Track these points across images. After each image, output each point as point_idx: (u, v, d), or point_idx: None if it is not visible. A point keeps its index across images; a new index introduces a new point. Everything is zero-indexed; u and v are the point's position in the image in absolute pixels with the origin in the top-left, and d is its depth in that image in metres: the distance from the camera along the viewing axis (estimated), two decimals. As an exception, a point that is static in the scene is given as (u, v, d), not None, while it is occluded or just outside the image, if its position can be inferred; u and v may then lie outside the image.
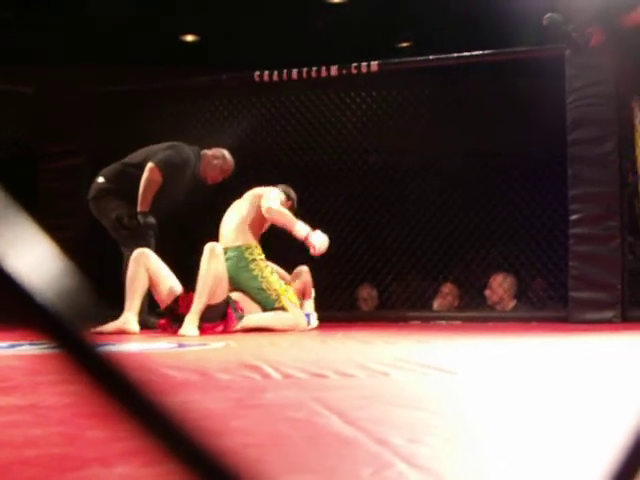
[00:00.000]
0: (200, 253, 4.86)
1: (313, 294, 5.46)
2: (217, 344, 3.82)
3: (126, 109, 6.73)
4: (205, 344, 3.86)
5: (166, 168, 5.41)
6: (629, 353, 3.34)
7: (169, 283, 4.94)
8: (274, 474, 1.03)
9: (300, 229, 5.05)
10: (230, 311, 4.91)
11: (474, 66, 6.41)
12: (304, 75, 6.39)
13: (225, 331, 4.85)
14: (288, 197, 5.45)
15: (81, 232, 6.46)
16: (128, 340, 4.29)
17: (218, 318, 4.87)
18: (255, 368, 2.40)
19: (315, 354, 3.32)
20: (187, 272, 5.01)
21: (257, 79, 6.50)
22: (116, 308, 4.89)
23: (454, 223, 6.79)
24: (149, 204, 5.39)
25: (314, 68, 6.35)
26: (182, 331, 4.64)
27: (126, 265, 5.06)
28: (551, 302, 6.51)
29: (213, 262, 4.79)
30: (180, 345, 3.80)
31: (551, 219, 6.35)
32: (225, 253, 5.06)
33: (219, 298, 4.86)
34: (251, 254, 5.17)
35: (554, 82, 5.76)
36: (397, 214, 6.90)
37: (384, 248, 6.90)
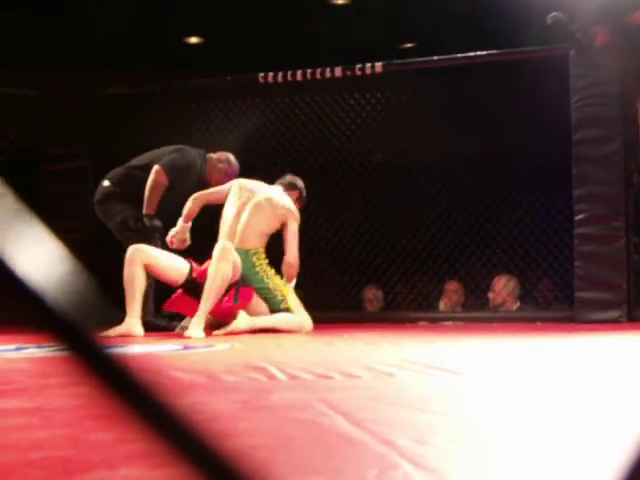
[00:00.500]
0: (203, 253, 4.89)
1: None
2: (223, 346, 3.82)
3: (129, 112, 6.74)
4: (211, 346, 3.86)
5: (172, 171, 5.41)
6: (635, 353, 3.33)
7: (174, 265, 4.96)
8: (281, 475, 1.03)
9: (291, 287, 5.30)
10: (233, 291, 4.92)
11: (478, 66, 6.40)
12: (308, 77, 6.39)
13: (221, 308, 4.88)
14: (291, 187, 5.49)
15: (85, 235, 6.46)
16: (134, 342, 4.29)
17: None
18: (261, 370, 2.40)
19: (321, 355, 3.32)
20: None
21: (261, 81, 6.50)
22: (122, 311, 4.88)
23: (459, 224, 6.78)
24: (155, 207, 5.40)
25: (318, 69, 6.35)
26: (188, 332, 4.64)
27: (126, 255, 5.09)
28: (557, 302, 6.50)
29: (223, 263, 4.79)
30: (186, 347, 3.80)
31: (556, 219, 6.34)
32: None
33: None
34: (258, 259, 5.21)
35: (559, 82, 5.76)
36: (402, 215, 6.90)
37: (389, 249, 6.89)
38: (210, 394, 1.95)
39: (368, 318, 6.55)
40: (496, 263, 6.74)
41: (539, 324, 5.64)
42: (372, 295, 7.03)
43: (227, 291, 4.90)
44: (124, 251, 5.49)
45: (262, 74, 6.47)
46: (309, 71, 6.37)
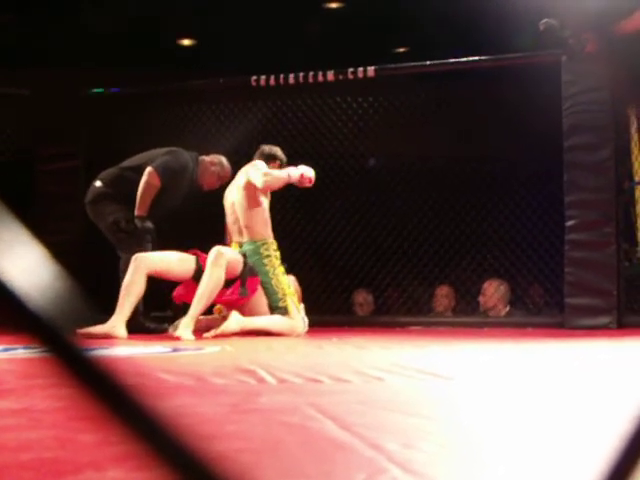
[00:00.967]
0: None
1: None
2: (212, 348, 3.82)
3: (123, 112, 6.73)
4: (200, 348, 3.85)
5: (165, 173, 5.41)
6: (624, 359, 3.34)
7: (180, 261, 5.00)
8: (268, 479, 1.03)
9: (293, 175, 5.20)
10: (238, 283, 4.96)
11: (471, 71, 6.42)
12: (301, 80, 6.39)
13: (222, 297, 4.95)
14: (271, 158, 5.44)
15: (79, 235, 6.45)
16: (123, 344, 4.28)
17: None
18: (250, 372, 2.40)
19: (310, 359, 3.32)
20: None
21: (254, 84, 6.50)
22: (111, 312, 4.87)
23: (450, 229, 6.79)
24: (147, 209, 5.39)
25: (311, 73, 6.36)
26: (178, 333, 4.63)
27: (123, 269, 5.06)
28: (547, 308, 6.51)
29: (216, 269, 4.82)
30: (175, 349, 3.79)
31: (547, 225, 6.36)
32: (241, 246, 5.23)
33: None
34: (267, 250, 5.24)
35: (550, 88, 5.77)
36: (393, 219, 6.90)
37: (380, 253, 6.90)
38: (198, 397, 1.94)
39: (358, 322, 6.55)
40: (487, 268, 6.75)
41: (529, 329, 5.64)
42: (362, 299, 7.03)
43: (232, 283, 4.94)
44: (116, 252, 5.48)
45: (255, 77, 6.47)
46: (301, 74, 6.37)
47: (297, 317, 5.23)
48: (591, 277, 5.55)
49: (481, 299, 6.55)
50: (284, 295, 5.19)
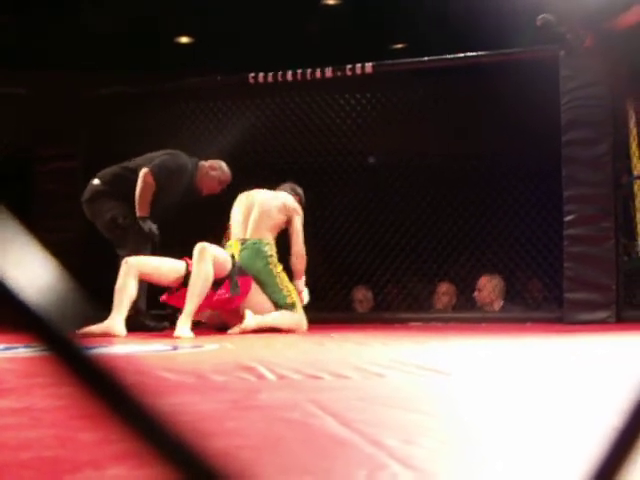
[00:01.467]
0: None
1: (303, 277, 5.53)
2: (212, 346, 3.82)
3: (122, 113, 6.73)
4: (200, 346, 3.86)
5: (160, 172, 5.41)
6: (623, 354, 3.34)
7: (170, 267, 4.99)
8: (268, 475, 1.03)
9: (301, 284, 5.44)
10: (227, 282, 4.97)
11: (469, 67, 6.42)
12: (299, 77, 6.39)
13: (213, 299, 4.94)
14: (300, 202, 5.64)
15: (78, 234, 6.46)
16: (122, 342, 4.28)
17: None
18: (250, 369, 2.40)
19: (310, 355, 3.32)
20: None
21: (252, 81, 6.50)
22: (109, 311, 4.87)
23: (449, 224, 6.79)
24: (148, 209, 5.40)
25: (309, 70, 6.35)
26: (176, 333, 4.64)
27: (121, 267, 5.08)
28: (546, 303, 6.52)
29: (202, 264, 4.84)
30: (175, 347, 3.79)
31: (546, 220, 6.36)
32: (243, 243, 5.29)
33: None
34: (270, 249, 5.32)
35: (549, 83, 5.77)
36: (392, 215, 6.90)
37: (379, 249, 6.90)
38: (198, 394, 1.94)
39: (358, 318, 6.56)
40: (486, 263, 6.75)
41: (528, 324, 5.65)
42: (362, 296, 7.03)
43: (221, 283, 4.94)
44: (114, 250, 5.49)
45: (252, 74, 6.47)
46: (299, 71, 6.37)
47: (302, 313, 5.30)
48: (590, 272, 5.56)
49: (476, 295, 6.55)
50: (289, 292, 5.26)
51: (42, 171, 6.77)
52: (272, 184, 5.68)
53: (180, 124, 6.87)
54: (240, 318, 5.03)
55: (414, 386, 2.11)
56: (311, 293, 5.58)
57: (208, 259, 4.87)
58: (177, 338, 4.52)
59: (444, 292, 6.82)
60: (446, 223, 6.79)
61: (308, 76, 6.37)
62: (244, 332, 4.89)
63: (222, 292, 4.98)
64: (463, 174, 6.91)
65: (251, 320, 4.98)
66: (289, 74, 6.39)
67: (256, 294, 5.18)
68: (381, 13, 7.66)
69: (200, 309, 4.91)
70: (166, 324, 5.34)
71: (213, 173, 5.68)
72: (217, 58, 7.71)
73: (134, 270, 4.87)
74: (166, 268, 5.01)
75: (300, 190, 5.75)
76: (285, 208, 5.44)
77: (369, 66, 6.24)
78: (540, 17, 5.52)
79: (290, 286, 5.29)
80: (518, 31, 5.81)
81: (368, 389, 2.05)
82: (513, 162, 6.67)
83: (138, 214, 5.38)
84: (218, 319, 5.27)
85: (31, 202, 6.58)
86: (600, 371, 2.53)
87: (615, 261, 5.59)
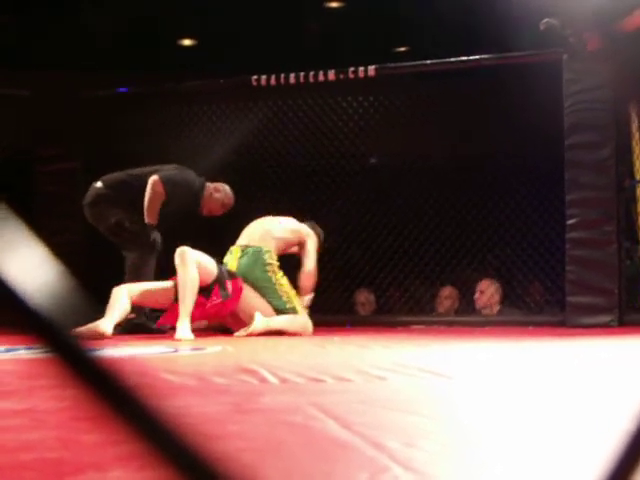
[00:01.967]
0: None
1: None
2: (214, 348, 3.82)
3: (122, 114, 6.73)
4: (202, 348, 3.86)
5: (168, 183, 5.43)
6: (625, 357, 3.34)
7: (160, 289, 4.99)
8: (270, 478, 1.03)
9: (308, 296, 5.43)
10: (216, 288, 4.96)
11: (471, 70, 6.42)
12: (302, 79, 6.39)
13: (206, 307, 4.94)
14: (319, 236, 5.61)
15: (79, 235, 6.46)
16: (124, 345, 4.28)
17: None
18: (252, 372, 2.40)
19: (312, 358, 3.32)
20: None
21: (254, 83, 6.50)
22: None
23: (451, 227, 6.78)
24: (156, 217, 5.42)
25: (311, 72, 6.36)
26: (177, 335, 4.64)
27: (129, 270, 5.15)
28: (548, 306, 6.51)
29: (186, 266, 4.84)
30: (177, 349, 3.79)
31: (548, 223, 6.35)
32: (244, 250, 5.26)
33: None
34: (270, 257, 5.28)
35: (552, 86, 5.77)
36: (394, 218, 6.90)
37: (381, 252, 6.89)
38: (200, 397, 1.95)
39: (360, 321, 6.56)
40: (488, 267, 6.75)
41: (530, 328, 5.65)
42: (364, 298, 7.03)
43: (211, 290, 4.94)
44: (117, 251, 5.50)
45: (255, 77, 6.47)
46: (302, 74, 6.37)
47: (306, 316, 5.30)
48: (592, 275, 5.55)
49: (477, 298, 6.55)
50: (289, 298, 5.24)
51: (42, 172, 6.77)
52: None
53: (182, 126, 6.87)
54: (242, 321, 5.03)
55: (415, 389, 2.12)
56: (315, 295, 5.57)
57: (190, 261, 4.88)
58: (178, 341, 4.52)
59: (447, 296, 6.81)
60: (449, 226, 6.78)
61: (311, 79, 6.37)
62: (252, 335, 4.88)
63: (214, 299, 4.97)
64: (466, 177, 6.91)
65: (260, 323, 4.97)
66: (292, 77, 6.39)
67: (255, 299, 5.16)
68: (384, 16, 7.67)
69: (195, 319, 4.89)
70: (168, 326, 5.35)
71: (217, 195, 5.69)
72: (218, 59, 7.71)
73: (126, 292, 4.89)
74: (155, 291, 5.01)
75: (320, 230, 5.69)
76: (299, 231, 5.45)
77: (372, 69, 6.24)
78: (544, 21, 5.52)
79: (291, 292, 5.26)
80: (521, 34, 5.81)
81: (370, 392, 2.05)
82: (516, 165, 6.66)
83: (147, 221, 5.40)
84: (218, 321, 5.27)
85: (31, 202, 6.58)
86: (603, 374, 2.53)
87: (618, 265, 5.58)
